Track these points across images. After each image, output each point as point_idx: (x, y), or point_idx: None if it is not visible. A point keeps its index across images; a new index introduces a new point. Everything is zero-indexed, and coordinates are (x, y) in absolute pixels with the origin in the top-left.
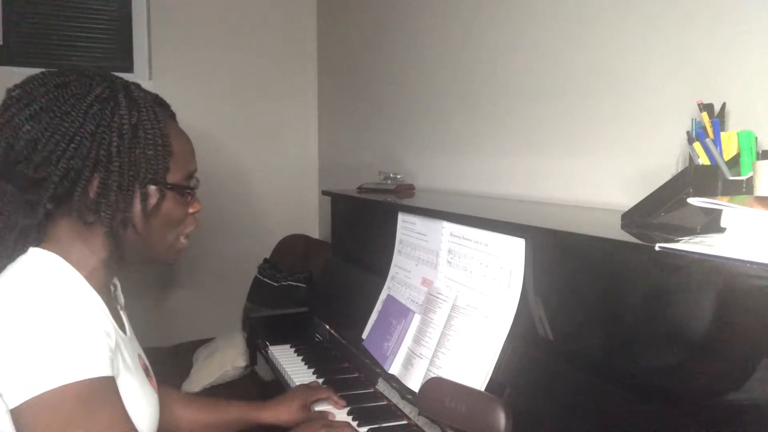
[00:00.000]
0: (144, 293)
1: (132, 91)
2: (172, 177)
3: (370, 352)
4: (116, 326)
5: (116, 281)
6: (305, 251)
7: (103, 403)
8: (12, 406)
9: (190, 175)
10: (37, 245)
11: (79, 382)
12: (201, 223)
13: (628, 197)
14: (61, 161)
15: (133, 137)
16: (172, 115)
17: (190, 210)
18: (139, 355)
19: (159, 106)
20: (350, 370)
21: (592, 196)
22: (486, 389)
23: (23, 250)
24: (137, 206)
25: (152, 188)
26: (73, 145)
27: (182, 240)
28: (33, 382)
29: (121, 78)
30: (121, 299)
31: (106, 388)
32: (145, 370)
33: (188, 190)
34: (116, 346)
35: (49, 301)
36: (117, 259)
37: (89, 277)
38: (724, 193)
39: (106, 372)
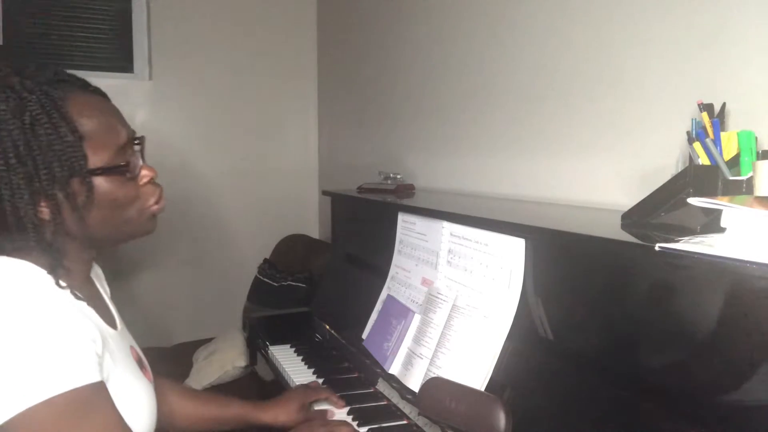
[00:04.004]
0: (144, 293)
1: (15, 85)
2: (96, 161)
3: (370, 352)
4: (103, 323)
5: (99, 270)
6: (305, 251)
7: (94, 410)
8: (0, 422)
9: (121, 147)
10: (1, 254)
11: (68, 392)
12: (160, 186)
13: (628, 197)
14: None
15: (32, 140)
16: (83, 86)
17: (142, 181)
18: (132, 347)
19: (54, 84)
20: (350, 370)
21: (592, 196)
22: (486, 389)
23: None
24: (67, 208)
25: (75, 183)
26: None
27: (152, 209)
28: (19, 398)
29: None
30: (107, 288)
31: (95, 395)
32: (139, 362)
33: (121, 166)
34: (104, 347)
35: (27, 311)
36: (90, 249)
37: (65, 275)
38: (724, 193)
39: (94, 378)
